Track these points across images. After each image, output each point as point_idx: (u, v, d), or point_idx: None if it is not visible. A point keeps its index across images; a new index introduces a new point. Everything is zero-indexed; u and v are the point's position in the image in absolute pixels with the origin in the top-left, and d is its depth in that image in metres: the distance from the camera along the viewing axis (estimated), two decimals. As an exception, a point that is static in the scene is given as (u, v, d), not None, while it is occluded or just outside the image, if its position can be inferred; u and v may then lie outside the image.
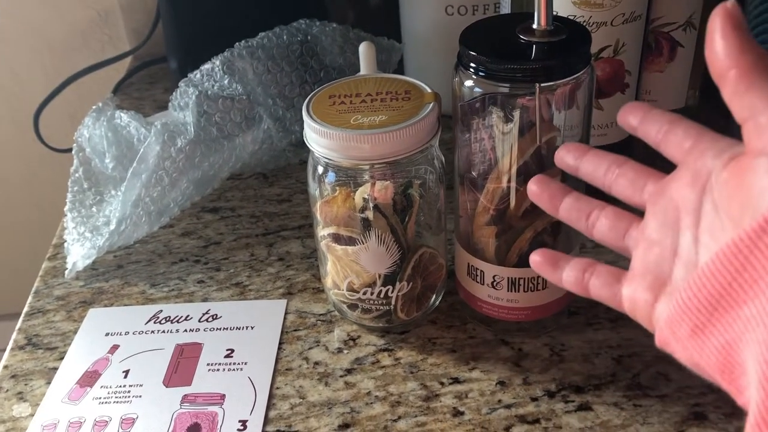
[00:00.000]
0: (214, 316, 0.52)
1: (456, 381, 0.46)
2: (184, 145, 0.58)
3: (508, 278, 0.46)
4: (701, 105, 0.64)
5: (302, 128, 0.44)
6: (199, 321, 0.52)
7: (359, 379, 0.47)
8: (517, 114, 0.42)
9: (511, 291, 0.46)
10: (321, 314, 0.52)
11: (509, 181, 0.43)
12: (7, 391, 0.48)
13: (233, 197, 0.66)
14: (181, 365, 0.48)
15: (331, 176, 0.45)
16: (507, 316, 0.47)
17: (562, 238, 0.46)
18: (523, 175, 0.43)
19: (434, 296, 0.50)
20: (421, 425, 0.43)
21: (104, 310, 0.54)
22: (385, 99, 0.44)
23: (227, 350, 0.49)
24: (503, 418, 0.43)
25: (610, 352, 0.47)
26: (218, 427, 0.44)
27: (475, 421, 0.43)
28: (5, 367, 0.50)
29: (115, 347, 0.50)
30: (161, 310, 0.53)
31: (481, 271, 0.46)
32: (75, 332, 0.52)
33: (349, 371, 0.47)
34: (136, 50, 0.87)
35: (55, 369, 0.49)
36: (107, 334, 0.51)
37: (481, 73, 0.40)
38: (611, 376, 0.45)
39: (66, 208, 0.60)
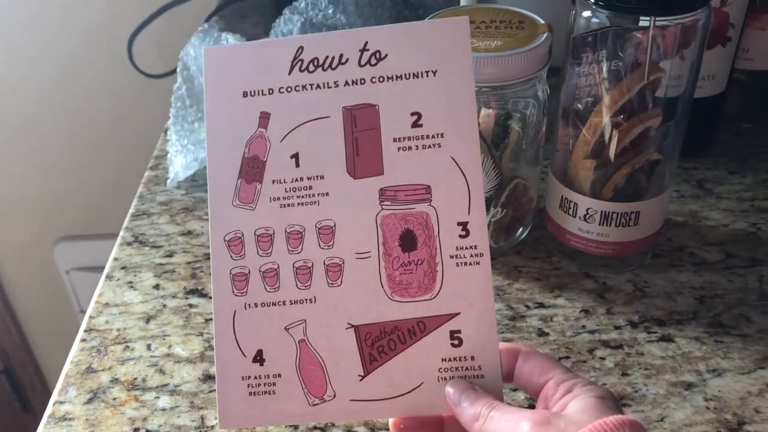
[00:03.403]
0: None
1: (541, 305, 0.48)
2: (287, 68, 0.60)
3: (602, 212, 0.47)
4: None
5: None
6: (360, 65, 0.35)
7: (447, 297, 0.49)
8: (628, 49, 0.43)
9: (603, 225, 0.48)
10: (410, 237, 0.54)
11: (613, 116, 0.45)
12: (119, 279, 0.51)
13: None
14: (361, 142, 0.35)
15: (438, 100, 0.47)
16: (595, 250, 0.49)
17: (657, 179, 0.48)
18: (627, 112, 0.45)
19: (522, 228, 0.52)
20: (508, 341, 0.45)
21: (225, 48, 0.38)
22: (499, 27, 0.46)
23: (412, 115, 0.34)
24: (587, 342, 0.45)
25: (692, 292, 0.49)
26: (435, 232, 0.34)
27: (559, 341, 0.45)
28: (115, 259, 0.53)
29: (264, 117, 0.35)
30: (301, 48, 0.35)
31: (575, 203, 0.48)
32: (179, 234, 0.55)
33: (437, 289, 0.50)
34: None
35: (161, 264, 0.53)
36: (246, 95, 0.35)
37: (600, 3, 0.42)
38: (693, 314, 0.47)
39: (169, 122, 0.63)
